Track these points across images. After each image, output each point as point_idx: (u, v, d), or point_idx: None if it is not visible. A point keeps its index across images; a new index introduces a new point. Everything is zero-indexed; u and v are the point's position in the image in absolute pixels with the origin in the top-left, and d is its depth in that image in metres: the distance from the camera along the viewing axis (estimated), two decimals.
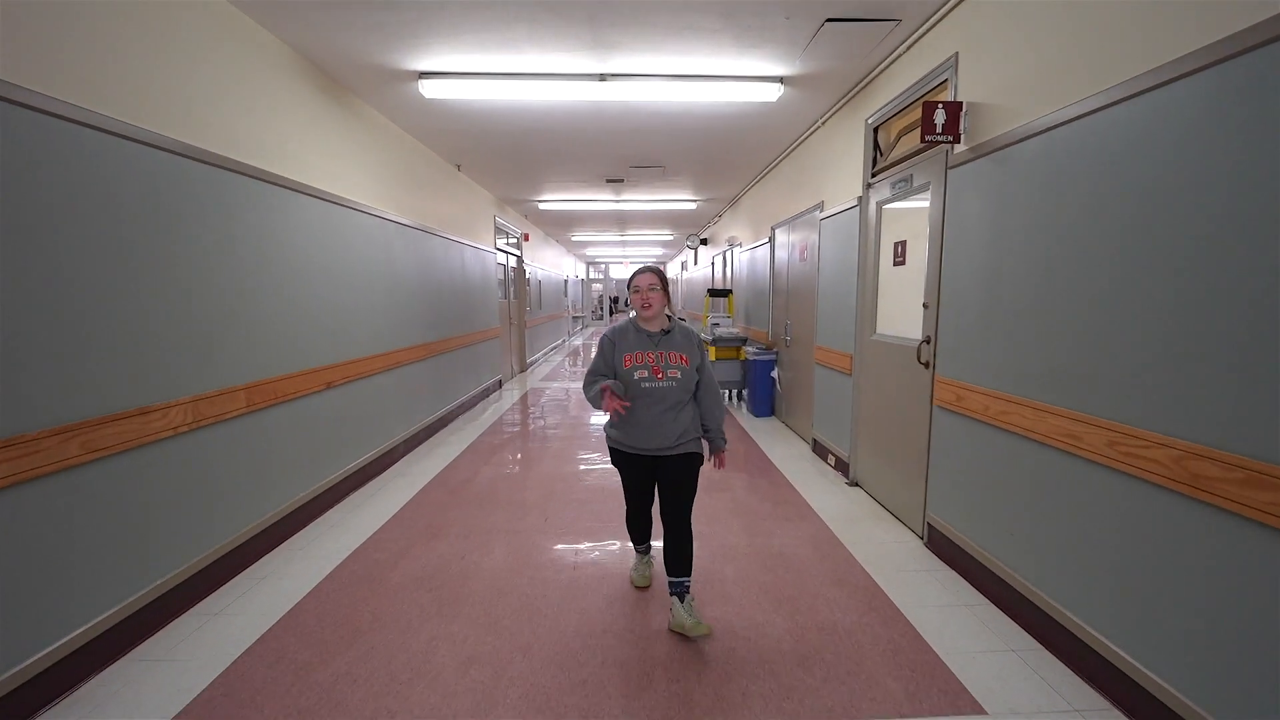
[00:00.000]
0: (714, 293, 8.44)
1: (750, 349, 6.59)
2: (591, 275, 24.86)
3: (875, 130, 3.79)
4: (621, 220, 11.15)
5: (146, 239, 2.32)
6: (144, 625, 2.30)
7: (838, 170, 4.38)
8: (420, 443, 5.26)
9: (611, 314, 27.77)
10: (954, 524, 2.83)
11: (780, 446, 5.19)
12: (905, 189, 3.32)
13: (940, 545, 2.95)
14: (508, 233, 9.05)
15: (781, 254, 6.11)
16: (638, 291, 2.35)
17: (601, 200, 8.65)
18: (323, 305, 3.60)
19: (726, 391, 7.35)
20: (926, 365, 3.06)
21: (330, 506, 3.66)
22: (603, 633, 2.34)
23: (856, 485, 4.06)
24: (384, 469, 4.47)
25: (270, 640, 2.31)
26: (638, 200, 8.70)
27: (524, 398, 7.86)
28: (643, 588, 2.69)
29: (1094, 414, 1.95)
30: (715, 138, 5.26)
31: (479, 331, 7.17)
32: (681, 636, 2.30)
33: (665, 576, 2.45)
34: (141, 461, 2.30)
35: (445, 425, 5.95)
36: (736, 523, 3.43)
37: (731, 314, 8.22)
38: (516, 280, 9.78)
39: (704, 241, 11.69)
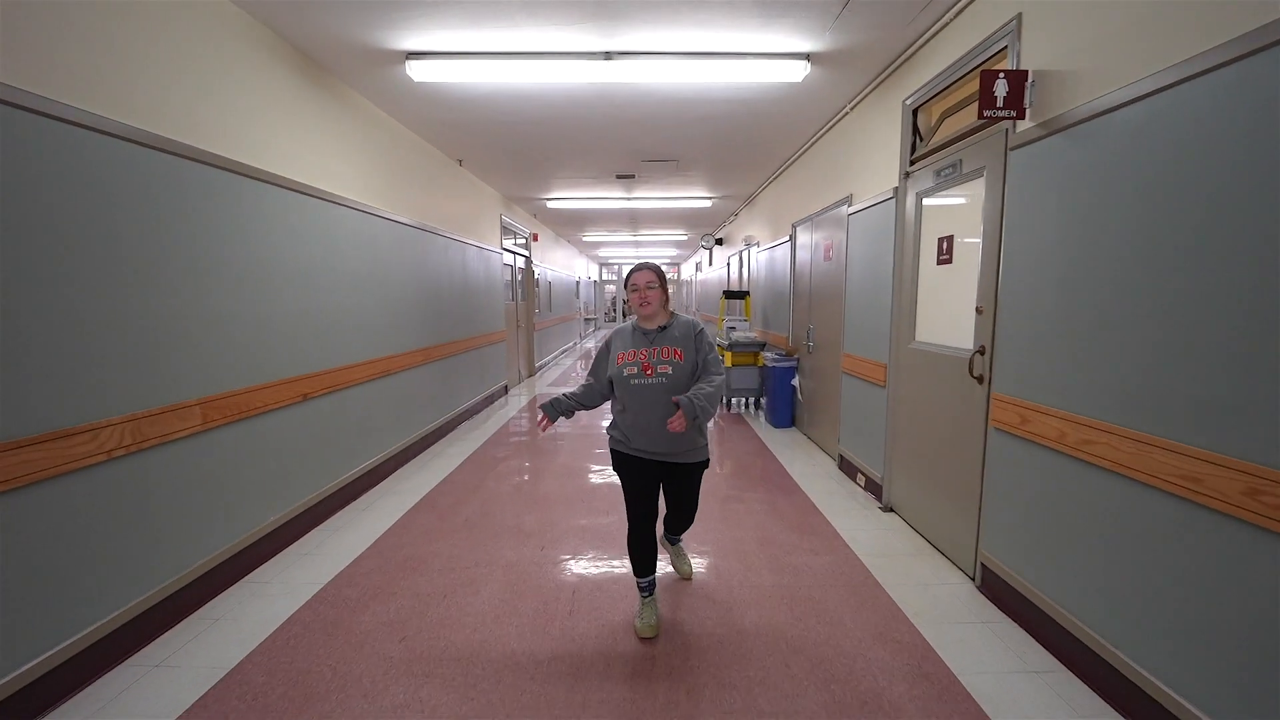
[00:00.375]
0: (730, 295, 8.03)
1: (769, 355, 6.17)
2: (605, 277, 24.49)
3: (914, 113, 3.37)
4: (633, 219, 10.77)
5: (77, 231, 1.98)
6: (58, 687, 1.95)
7: (869, 159, 3.96)
8: (416, 454, 4.91)
9: (625, 316, 27.44)
10: (1016, 568, 2.40)
11: (801, 461, 4.77)
12: (953, 176, 2.89)
13: (997, 591, 2.52)
14: (515, 232, 8.71)
15: (803, 253, 5.69)
16: (636, 290, 2.28)
17: (612, 198, 8.28)
18: (300, 308, 3.25)
19: (743, 399, 6.95)
20: (980, 380, 2.64)
21: (304, 532, 3.31)
22: (599, 703, 1.95)
23: (891, 511, 3.63)
24: (373, 485, 4.12)
25: (209, 704, 1.96)
26: (650, 198, 8.31)
27: (531, 403, 7.50)
28: (648, 639, 2.31)
29: (1225, 452, 1.52)
30: (732, 126, 4.85)
31: (483, 335, 6.83)
32: (686, 688, 1.92)
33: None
34: (61, 493, 1.96)
35: (444, 435, 5.61)
36: (757, 556, 3.02)
37: (749, 317, 7.80)
38: (525, 281, 9.44)
39: (719, 241, 11.27)
